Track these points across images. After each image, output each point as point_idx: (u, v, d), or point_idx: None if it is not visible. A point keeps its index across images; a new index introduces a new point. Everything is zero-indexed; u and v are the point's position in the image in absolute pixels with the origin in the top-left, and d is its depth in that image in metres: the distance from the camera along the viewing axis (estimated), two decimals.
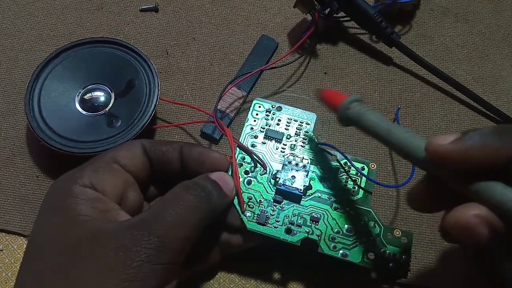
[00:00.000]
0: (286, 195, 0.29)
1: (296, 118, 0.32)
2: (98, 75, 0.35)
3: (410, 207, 0.23)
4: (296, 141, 0.31)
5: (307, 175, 0.29)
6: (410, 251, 0.28)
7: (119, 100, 0.34)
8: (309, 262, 0.31)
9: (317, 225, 0.28)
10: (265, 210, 0.28)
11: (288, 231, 0.28)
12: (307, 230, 0.28)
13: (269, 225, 0.28)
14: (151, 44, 0.40)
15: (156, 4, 0.42)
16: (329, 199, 0.29)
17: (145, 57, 0.35)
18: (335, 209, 0.29)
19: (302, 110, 0.32)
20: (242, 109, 0.37)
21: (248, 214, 0.28)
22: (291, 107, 0.32)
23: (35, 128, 0.32)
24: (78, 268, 0.21)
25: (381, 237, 0.28)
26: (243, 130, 0.31)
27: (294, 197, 0.29)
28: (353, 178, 0.30)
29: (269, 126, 0.32)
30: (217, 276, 0.31)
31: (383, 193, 0.34)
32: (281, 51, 0.40)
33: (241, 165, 0.30)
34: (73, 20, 0.41)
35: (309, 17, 0.39)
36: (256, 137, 0.31)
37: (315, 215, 0.28)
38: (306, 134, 0.31)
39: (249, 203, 0.29)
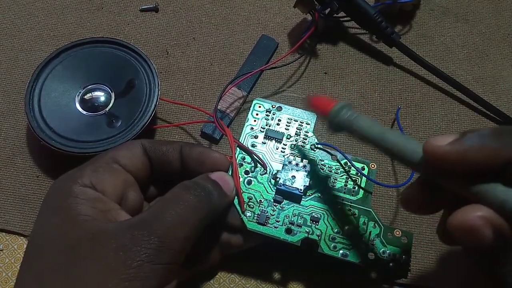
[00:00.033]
0: (286, 195, 0.29)
1: (296, 118, 0.32)
2: (98, 75, 0.35)
3: (403, 208, 0.23)
4: (296, 141, 0.31)
5: (307, 175, 0.29)
6: (410, 251, 0.28)
7: (119, 100, 0.34)
8: (309, 262, 0.31)
9: (317, 225, 0.28)
10: (265, 210, 0.28)
11: (288, 231, 0.28)
12: (307, 230, 0.28)
13: (269, 225, 0.28)
14: (151, 44, 0.40)
15: (156, 4, 0.42)
16: (329, 199, 0.29)
17: (145, 57, 0.35)
18: (335, 209, 0.29)
19: (302, 110, 0.32)
20: (242, 109, 0.37)
21: (248, 214, 0.28)
22: (291, 107, 0.32)
23: (35, 128, 0.32)
24: (78, 268, 0.21)
25: (381, 237, 0.28)
26: (243, 130, 0.31)
27: (294, 197, 0.29)
28: (353, 178, 0.30)
29: (269, 126, 0.32)
30: (217, 276, 0.31)
31: (383, 193, 0.34)
32: (281, 51, 0.40)
33: (241, 165, 0.30)
34: (73, 20, 0.41)
35: (309, 17, 0.39)
36: (256, 137, 0.31)
37: (315, 215, 0.28)
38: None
39: (249, 203, 0.29)
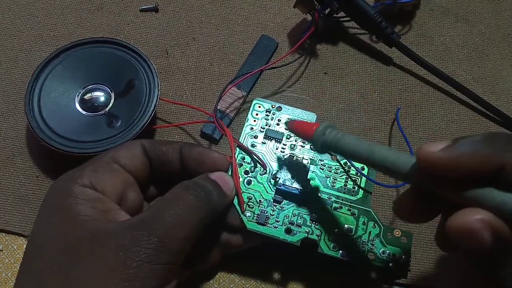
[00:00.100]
0: (286, 195, 0.29)
1: (296, 118, 0.32)
2: (98, 75, 0.35)
3: (396, 216, 0.23)
4: (296, 141, 0.31)
5: (307, 175, 0.29)
6: (410, 251, 0.28)
7: (119, 100, 0.34)
8: (309, 262, 0.31)
9: (317, 225, 0.28)
10: (265, 210, 0.28)
11: (288, 231, 0.28)
12: (307, 230, 0.28)
13: (269, 225, 0.28)
14: (151, 44, 0.40)
15: (156, 4, 0.42)
16: (329, 199, 0.29)
17: (145, 57, 0.35)
18: (335, 209, 0.29)
19: (302, 110, 0.32)
20: (242, 109, 0.37)
21: (248, 214, 0.28)
22: (291, 107, 0.32)
23: (35, 128, 0.32)
24: (78, 268, 0.21)
25: (381, 237, 0.28)
26: (243, 130, 0.31)
27: (294, 197, 0.29)
28: (353, 178, 0.30)
29: (269, 126, 0.32)
30: (217, 276, 0.31)
31: (383, 193, 0.34)
32: (281, 51, 0.40)
33: (241, 165, 0.30)
34: (73, 20, 0.41)
35: (309, 17, 0.39)
36: (256, 137, 0.31)
37: (315, 215, 0.28)
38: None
39: (249, 203, 0.29)
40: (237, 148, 0.30)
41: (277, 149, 0.31)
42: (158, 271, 0.21)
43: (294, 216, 0.28)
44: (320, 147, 0.25)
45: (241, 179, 0.29)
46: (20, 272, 0.23)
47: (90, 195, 0.24)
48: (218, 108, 0.34)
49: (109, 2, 0.42)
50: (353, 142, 0.23)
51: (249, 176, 0.30)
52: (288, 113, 0.32)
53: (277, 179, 0.29)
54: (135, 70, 0.35)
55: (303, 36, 0.37)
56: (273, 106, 0.32)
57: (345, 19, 0.40)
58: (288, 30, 0.41)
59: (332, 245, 0.27)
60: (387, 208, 0.33)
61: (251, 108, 0.32)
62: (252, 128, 0.31)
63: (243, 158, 0.30)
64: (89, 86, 0.35)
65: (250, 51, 0.39)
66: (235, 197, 0.28)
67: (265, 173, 0.30)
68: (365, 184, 0.30)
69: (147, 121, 0.33)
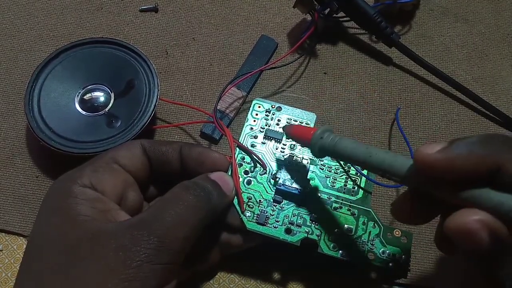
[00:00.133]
0: (286, 195, 0.29)
1: (296, 118, 0.32)
2: (98, 75, 0.35)
3: (394, 218, 0.23)
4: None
5: (307, 175, 0.29)
6: (410, 251, 0.28)
7: (119, 100, 0.34)
8: (309, 262, 0.31)
9: (316, 225, 0.28)
10: (265, 210, 0.28)
11: (288, 231, 0.28)
12: (307, 230, 0.28)
13: (269, 225, 0.28)
14: (151, 44, 0.40)
15: (156, 4, 0.42)
16: (329, 199, 0.29)
17: (145, 57, 0.35)
18: (335, 209, 0.29)
19: (302, 110, 0.32)
20: (242, 109, 0.37)
21: (248, 214, 0.28)
22: (290, 107, 0.32)
23: (35, 128, 0.32)
24: (78, 268, 0.21)
25: (381, 237, 0.28)
26: (243, 130, 0.31)
27: (294, 197, 0.29)
28: (353, 178, 0.30)
29: (269, 126, 0.32)
30: (217, 276, 0.31)
31: (383, 193, 0.34)
32: (281, 51, 0.40)
33: (240, 165, 0.30)
34: (73, 20, 0.41)
35: (308, 17, 0.39)
36: (255, 137, 0.31)
37: (314, 215, 0.28)
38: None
39: (249, 203, 0.29)
40: (237, 148, 0.30)
41: (277, 149, 0.31)
42: (158, 271, 0.21)
43: (294, 216, 0.28)
44: (318, 151, 0.25)
45: (241, 179, 0.29)
46: (20, 272, 0.23)
47: (90, 195, 0.24)
48: (218, 108, 0.34)
49: (109, 2, 0.42)
50: (351, 145, 0.23)
51: (249, 176, 0.30)
52: (288, 113, 0.32)
53: (277, 179, 0.29)
54: (135, 70, 0.35)
55: (303, 36, 0.37)
56: (273, 106, 0.32)
57: (345, 19, 0.40)
58: (287, 30, 0.41)
59: (332, 245, 0.27)
60: (387, 208, 0.33)
61: (251, 108, 0.32)
62: (252, 128, 0.31)
63: (243, 158, 0.30)
64: (89, 86, 0.35)
65: (250, 51, 0.39)
66: (235, 197, 0.28)
67: (265, 173, 0.30)
68: (365, 184, 0.30)
69: (147, 121, 0.33)
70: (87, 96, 0.34)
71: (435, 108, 0.37)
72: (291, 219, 0.28)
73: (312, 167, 0.30)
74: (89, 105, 0.34)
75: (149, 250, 0.21)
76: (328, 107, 0.37)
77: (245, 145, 0.30)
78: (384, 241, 0.28)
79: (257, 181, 0.29)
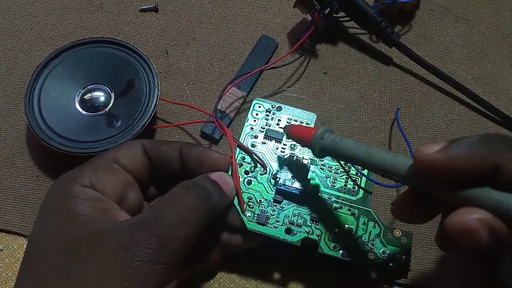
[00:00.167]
0: (286, 195, 0.29)
1: (296, 118, 0.32)
2: (98, 75, 0.35)
3: (395, 217, 0.23)
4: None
5: (307, 175, 0.29)
6: (410, 251, 0.28)
7: (119, 100, 0.34)
8: (309, 262, 0.31)
9: (317, 225, 0.28)
10: (265, 210, 0.28)
11: (288, 231, 0.28)
12: (307, 230, 0.28)
13: (269, 225, 0.28)
14: (151, 44, 0.40)
15: (156, 4, 0.42)
16: (329, 199, 0.29)
17: (145, 57, 0.35)
18: (335, 209, 0.29)
19: (302, 110, 0.32)
20: (242, 109, 0.37)
21: (248, 214, 0.28)
22: (291, 107, 0.32)
23: (35, 128, 0.32)
24: (78, 268, 0.21)
25: (381, 237, 0.28)
26: (243, 130, 0.31)
27: (294, 197, 0.29)
28: (353, 178, 0.30)
29: (269, 126, 0.32)
30: (217, 276, 0.31)
31: (383, 193, 0.34)
32: (281, 51, 0.40)
33: (241, 165, 0.30)
34: (73, 20, 0.41)
35: (309, 17, 0.39)
36: (256, 137, 0.31)
37: (315, 215, 0.28)
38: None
39: (249, 203, 0.29)
40: (237, 148, 0.30)
41: (277, 149, 0.31)
42: (158, 271, 0.21)
43: (294, 216, 0.28)
44: (319, 151, 0.25)
45: (241, 179, 0.29)
46: (21, 272, 0.23)
47: (90, 195, 0.24)
48: (218, 108, 0.34)
49: (109, 2, 0.42)
50: (351, 145, 0.23)
51: (249, 176, 0.30)
52: (288, 113, 0.32)
53: (277, 179, 0.29)
54: (135, 70, 0.35)
55: (303, 36, 0.37)
56: (273, 106, 0.32)
57: (345, 19, 0.40)
58: (288, 30, 0.41)
59: (332, 245, 0.27)
60: (387, 208, 0.33)
61: (251, 108, 0.32)
62: (252, 128, 0.31)
63: (243, 158, 0.30)
64: (89, 86, 0.35)
65: (250, 51, 0.39)
66: (235, 197, 0.28)
67: (265, 173, 0.30)
68: (365, 184, 0.30)
69: (147, 121, 0.33)
70: (87, 96, 0.34)
71: (436, 108, 0.37)
72: (292, 219, 0.28)
73: (312, 167, 0.30)
74: (89, 105, 0.34)
75: (150, 250, 0.21)
76: (328, 107, 0.37)
77: (246, 145, 0.30)
78: (384, 241, 0.28)
79: (258, 181, 0.29)
